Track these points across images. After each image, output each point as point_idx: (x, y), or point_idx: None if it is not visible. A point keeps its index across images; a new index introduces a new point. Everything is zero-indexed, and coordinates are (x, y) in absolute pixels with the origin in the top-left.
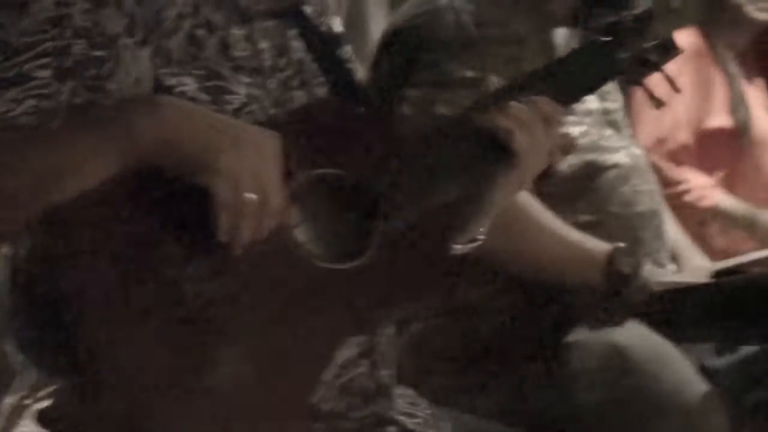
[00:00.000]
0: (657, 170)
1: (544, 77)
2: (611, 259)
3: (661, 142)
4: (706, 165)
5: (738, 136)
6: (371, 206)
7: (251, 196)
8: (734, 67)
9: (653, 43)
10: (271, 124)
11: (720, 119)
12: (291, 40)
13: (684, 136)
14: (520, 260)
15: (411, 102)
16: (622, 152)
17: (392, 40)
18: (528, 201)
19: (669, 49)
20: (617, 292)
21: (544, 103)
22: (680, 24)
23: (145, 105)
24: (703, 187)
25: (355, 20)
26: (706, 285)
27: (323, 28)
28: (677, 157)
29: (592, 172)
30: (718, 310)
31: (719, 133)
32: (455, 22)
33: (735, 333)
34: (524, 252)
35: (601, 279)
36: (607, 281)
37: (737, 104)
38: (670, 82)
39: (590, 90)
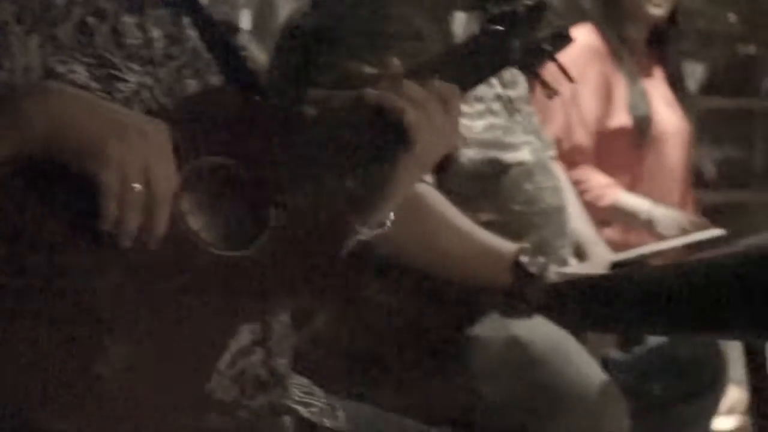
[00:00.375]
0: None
1: (437, 64)
2: (517, 258)
3: (557, 142)
4: (607, 164)
5: (638, 134)
6: (263, 194)
7: (137, 186)
8: (632, 64)
9: (546, 32)
10: (162, 112)
11: (620, 119)
12: (184, 28)
13: (580, 137)
14: (426, 256)
15: (313, 101)
16: (526, 149)
17: (290, 37)
18: (435, 197)
19: (562, 39)
20: (522, 292)
21: (439, 84)
22: (577, 20)
23: (34, 92)
24: (600, 186)
25: (263, 9)
26: (603, 276)
27: (219, 17)
28: (573, 157)
29: (496, 170)
30: (616, 301)
31: (620, 132)
32: (357, 19)
33: (634, 325)
34: (431, 247)
35: (506, 278)
36: (512, 281)
37: (636, 102)
38: (564, 71)
39: (483, 78)
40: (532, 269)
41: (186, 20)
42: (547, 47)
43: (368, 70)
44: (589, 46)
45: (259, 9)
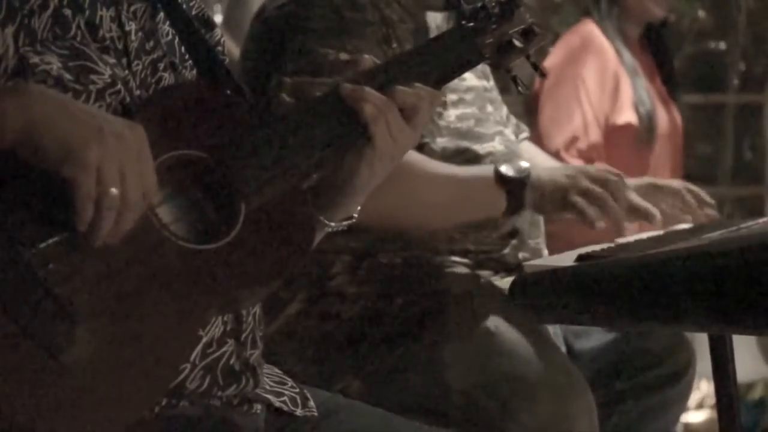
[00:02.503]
0: None
1: (408, 61)
2: (498, 171)
3: (573, 141)
4: (614, 162)
5: (644, 131)
6: (233, 187)
7: (113, 190)
8: (635, 62)
9: (517, 28)
10: (135, 105)
11: (626, 116)
12: (159, 23)
13: (595, 135)
14: (416, 212)
15: (288, 90)
16: (497, 139)
17: (263, 26)
18: (411, 155)
19: (533, 35)
20: (517, 199)
21: (393, 91)
22: (571, 16)
23: (11, 92)
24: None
25: (238, 7)
26: (571, 268)
27: (194, 12)
28: (589, 155)
29: (468, 160)
30: (583, 293)
31: (627, 129)
32: (329, 6)
33: (601, 316)
34: (418, 202)
35: (497, 195)
36: (504, 192)
37: (641, 99)
38: (536, 67)
39: (454, 74)
40: (515, 174)
41: (161, 15)
42: (519, 43)
43: (341, 56)
44: (597, 43)
45: (231, 2)
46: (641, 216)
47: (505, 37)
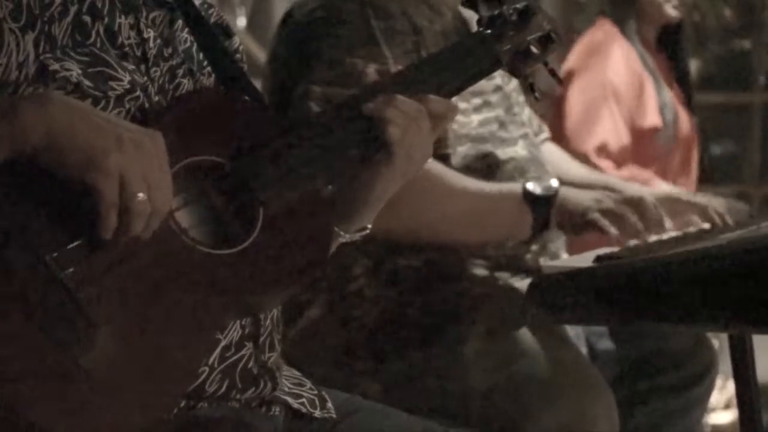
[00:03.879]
0: (601, 171)
1: (426, 69)
2: (525, 189)
3: (603, 145)
4: (639, 163)
5: (668, 133)
6: (250, 192)
7: (141, 195)
8: (653, 63)
9: (534, 35)
10: (154, 111)
11: (652, 119)
12: (178, 30)
13: (625, 138)
14: (441, 225)
15: (316, 99)
16: (520, 143)
17: (291, 32)
18: (435, 168)
19: (551, 42)
20: (543, 220)
21: (427, 99)
22: (594, 15)
23: (32, 101)
24: (647, 180)
25: (260, 5)
26: (590, 269)
27: (212, 19)
28: (619, 158)
29: (490, 166)
30: (603, 294)
31: (652, 131)
32: (358, 15)
33: (621, 317)
34: (443, 215)
35: (523, 212)
36: (530, 211)
37: (665, 102)
38: (553, 74)
39: (472, 81)
40: (542, 194)
41: (179, 22)
42: (536, 50)
43: (370, 67)
44: (620, 44)
45: (255, 7)
46: (662, 232)
47: (523, 44)
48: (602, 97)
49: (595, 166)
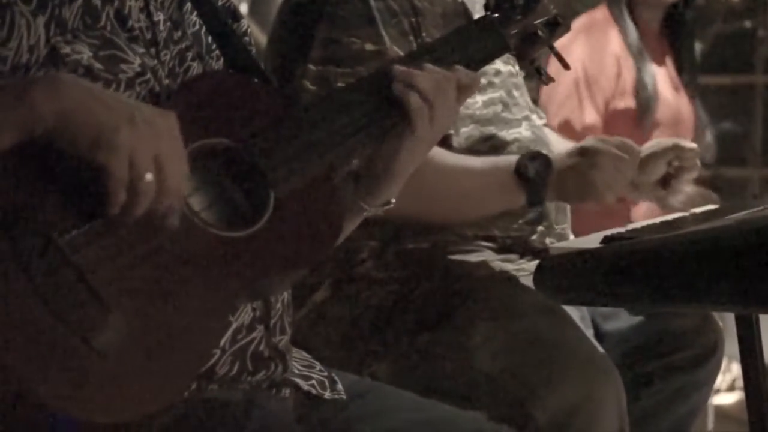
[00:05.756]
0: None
1: (434, 51)
2: (517, 166)
3: (567, 123)
4: None
5: (642, 116)
6: (261, 174)
7: (148, 175)
8: (641, 47)
9: (541, 19)
10: (165, 93)
11: (626, 100)
12: (187, 13)
13: (591, 118)
14: (437, 206)
15: (311, 78)
16: (524, 125)
17: (291, 15)
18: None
19: (557, 26)
20: (537, 194)
21: (462, 70)
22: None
23: (42, 82)
24: None
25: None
26: (596, 250)
27: (220, 2)
28: (583, 137)
29: (494, 147)
30: (609, 274)
31: (625, 113)
32: None
33: (627, 298)
34: (437, 195)
35: (516, 187)
36: (523, 186)
37: (642, 85)
38: (560, 59)
39: (480, 64)
40: (535, 169)
41: (188, 5)
42: (543, 34)
43: (367, 47)
44: (600, 27)
45: None
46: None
47: (530, 28)
48: (570, 76)
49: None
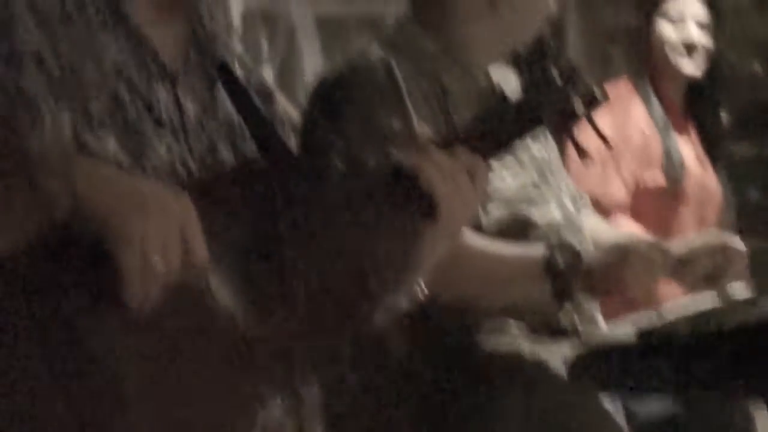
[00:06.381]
0: (618, 225)
1: (470, 126)
2: (548, 259)
3: (595, 200)
4: (642, 221)
5: (672, 192)
6: (289, 266)
7: (156, 259)
8: (666, 121)
9: (578, 94)
10: (193, 185)
11: (654, 176)
12: (216, 96)
13: (618, 194)
14: (461, 289)
15: (339, 154)
16: (554, 205)
17: (323, 93)
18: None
19: (593, 101)
20: (565, 290)
21: (465, 154)
22: (612, 73)
23: (59, 169)
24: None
25: (290, 62)
26: (631, 344)
27: (251, 81)
28: (609, 211)
29: (524, 229)
30: (646, 366)
31: (655, 190)
32: (386, 76)
33: (663, 387)
34: (461, 278)
35: (542, 283)
36: (550, 283)
37: (671, 160)
38: (599, 133)
39: (516, 140)
40: (562, 265)
41: (218, 88)
42: (580, 109)
43: (395, 124)
44: (624, 100)
45: (284, 62)
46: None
47: (567, 104)
48: (599, 150)
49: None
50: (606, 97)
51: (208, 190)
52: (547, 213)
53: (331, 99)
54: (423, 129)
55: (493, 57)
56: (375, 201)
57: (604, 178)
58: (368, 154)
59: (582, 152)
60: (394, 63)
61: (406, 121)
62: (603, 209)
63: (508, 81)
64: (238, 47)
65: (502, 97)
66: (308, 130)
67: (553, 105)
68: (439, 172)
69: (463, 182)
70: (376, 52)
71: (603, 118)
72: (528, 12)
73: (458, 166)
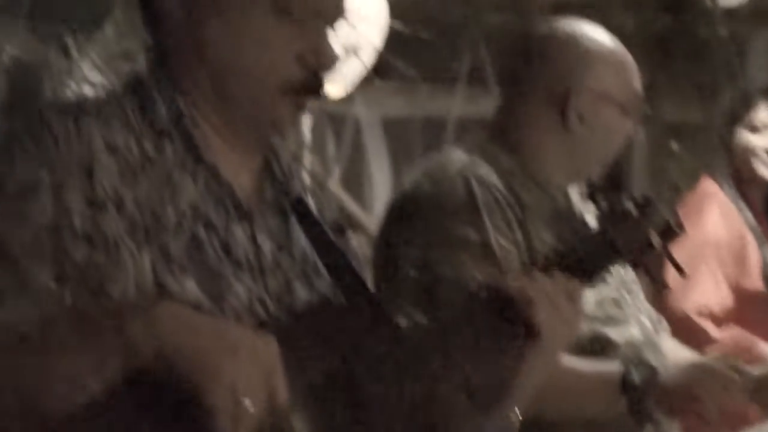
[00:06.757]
0: (702, 332)
1: (548, 262)
2: (624, 375)
3: (704, 307)
4: (743, 325)
5: None
6: (374, 403)
7: (248, 403)
8: (757, 226)
9: (654, 227)
10: (272, 324)
11: (754, 281)
12: (292, 233)
13: (726, 300)
14: (543, 404)
15: (413, 263)
16: (635, 326)
17: (397, 207)
18: None
19: (671, 233)
20: (639, 407)
21: (564, 277)
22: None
23: (143, 315)
24: (751, 343)
25: (356, 161)
26: None
27: (325, 214)
28: (721, 319)
29: (604, 348)
30: None
31: (753, 295)
32: (463, 187)
33: None
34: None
35: (617, 398)
36: (626, 400)
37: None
38: (676, 266)
39: (594, 276)
40: (638, 382)
41: (293, 224)
42: (657, 242)
43: (472, 236)
44: (720, 202)
45: (349, 162)
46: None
47: (643, 236)
48: (701, 255)
49: (695, 328)
50: (683, 229)
51: (286, 330)
52: (626, 331)
53: (409, 213)
54: (498, 240)
55: (571, 177)
56: (472, 326)
57: (713, 285)
58: (442, 263)
59: (660, 284)
60: (472, 177)
61: (484, 236)
62: (713, 316)
63: (587, 203)
64: (308, 160)
65: (583, 224)
66: (386, 245)
67: (629, 238)
68: (541, 295)
69: (563, 305)
70: (453, 164)
71: (698, 225)
72: (603, 133)
73: (558, 290)
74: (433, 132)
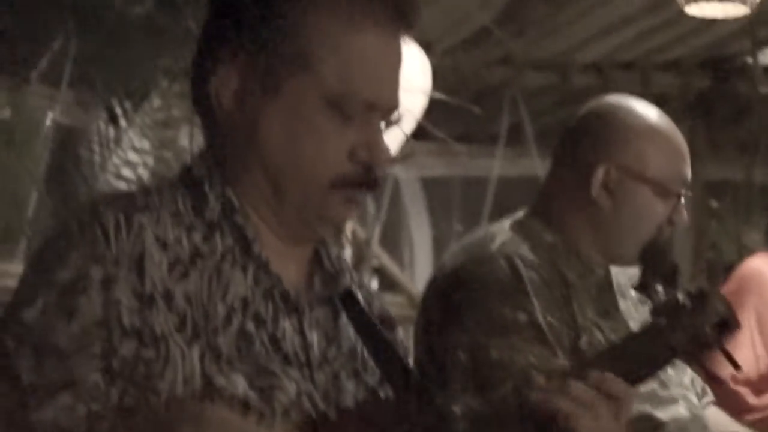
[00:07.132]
0: (739, 399)
1: (603, 359)
2: None
3: (742, 373)
4: None
5: None
6: None
7: None
8: None
9: (710, 321)
10: (320, 420)
11: None
12: (341, 327)
13: (763, 368)
14: None
15: (462, 348)
16: (681, 404)
17: (440, 287)
18: None
19: (727, 327)
20: None
21: (608, 379)
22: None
23: (191, 419)
24: None
25: (395, 219)
26: None
27: (375, 311)
28: (759, 387)
29: (649, 426)
30: None
31: None
32: (508, 267)
33: None
34: None
35: None
36: None
37: None
38: (730, 360)
39: (649, 373)
40: None
41: (343, 318)
42: (712, 336)
43: (519, 317)
44: (760, 281)
45: (389, 222)
46: None
47: (698, 331)
48: (743, 325)
49: (732, 393)
50: (739, 325)
51: (334, 426)
52: (673, 410)
53: (454, 295)
54: (547, 319)
55: (603, 253)
56: None
57: (753, 352)
58: (492, 347)
59: (735, 364)
60: (516, 257)
61: (533, 317)
62: (754, 383)
63: (629, 283)
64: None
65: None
66: (429, 326)
67: (684, 333)
68: (577, 405)
69: (603, 411)
70: (494, 242)
71: (744, 297)
72: (632, 210)
73: (598, 396)
74: (470, 191)
